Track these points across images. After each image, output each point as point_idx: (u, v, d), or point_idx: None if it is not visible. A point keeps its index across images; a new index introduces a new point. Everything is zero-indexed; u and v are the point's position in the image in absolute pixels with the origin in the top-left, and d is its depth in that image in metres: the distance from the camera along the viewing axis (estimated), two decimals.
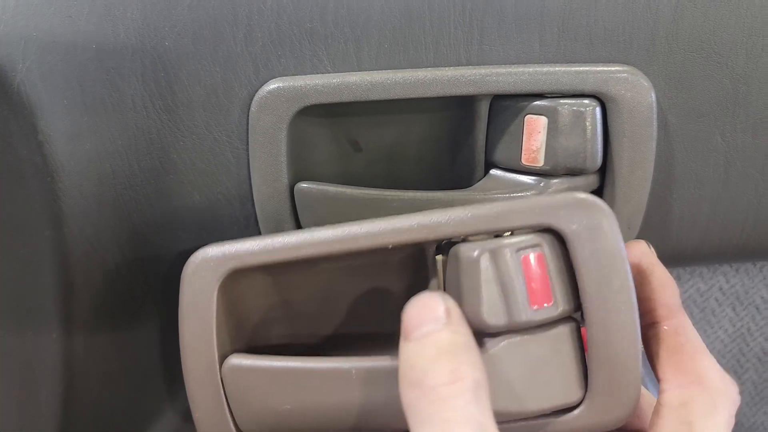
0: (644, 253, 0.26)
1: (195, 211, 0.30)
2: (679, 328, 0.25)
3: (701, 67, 0.28)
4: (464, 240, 0.24)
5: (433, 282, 0.27)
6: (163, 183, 0.29)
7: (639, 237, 0.31)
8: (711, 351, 0.34)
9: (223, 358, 0.26)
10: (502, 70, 0.28)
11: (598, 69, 0.28)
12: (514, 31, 0.28)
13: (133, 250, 0.30)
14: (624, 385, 0.23)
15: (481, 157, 0.31)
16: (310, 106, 0.28)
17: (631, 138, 0.28)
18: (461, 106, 0.30)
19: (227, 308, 0.26)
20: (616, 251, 0.23)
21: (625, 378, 0.23)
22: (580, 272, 0.23)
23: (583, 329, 0.26)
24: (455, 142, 0.31)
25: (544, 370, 0.23)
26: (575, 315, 0.24)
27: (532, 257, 0.23)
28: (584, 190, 0.29)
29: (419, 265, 0.27)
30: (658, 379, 0.25)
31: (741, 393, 0.25)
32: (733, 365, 0.40)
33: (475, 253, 0.23)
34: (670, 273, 0.25)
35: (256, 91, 0.28)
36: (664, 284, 0.26)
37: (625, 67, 0.28)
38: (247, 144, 0.29)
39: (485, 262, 0.23)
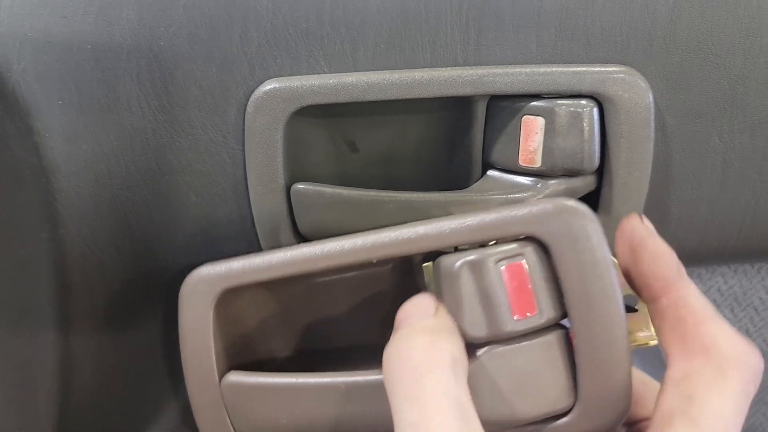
0: (635, 228, 0.25)
1: (191, 212, 0.30)
2: (679, 300, 0.24)
3: (699, 68, 0.28)
4: (449, 250, 0.24)
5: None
6: (159, 184, 0.29)
7: None
8: None
9: (223, 374, 0.27)
10: (499, 71, 0.28)
11: (595, 69, 0.28)
12: (511, 31, 0.28)
13: (130, 250, 0.30)
14: (614, 391, 0.22)
15: (478, 157, 0.31)
16: (307, 106, 0.28)
17: (629, 139, 0.28)
18: (458, 106, 0.30)
19: (225, 325, 0.27)
20: (599, 258, 0.23)
21: (615, 384, 0.22)
22: (565, 281, 0.23)
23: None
24: (452, 143, 0.31)
25: (532, 378, 0.23)
26: (564, 321, 0.24)
27: (513, 267, 0.23)
28: (581, 191, 0.29)
29: (410, 275, 0.27)
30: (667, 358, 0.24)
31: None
32: None
33: (455, 266, 0.23)
34: None
35: (252, 91, 0.28)
36: (657, 257, 0.25)
37: (623, 68, 0.28)
38: (243, 145, 0.29)
39: (465, 274, 0.23)
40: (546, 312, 0.23)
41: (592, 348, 0.23)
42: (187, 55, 0.28)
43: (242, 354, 0.28)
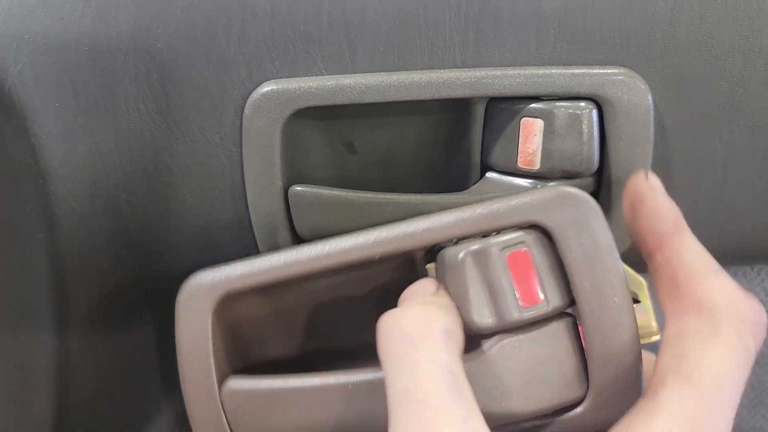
0: (637, 184, 0.25)
1: (188, 214, 0.30)
2: (672, 256, 0.23)
3: (698, 70, 0.28)
4: (450, 244, 0.24)
5: None
6: (156, 185, 0.29)
7: None
8: None
9: (222, 381, 0.26)
10: (498, 73, 0.28)
11: (594, 71, 0.28)
12: (510, 33, 0.28)
13: (127, 252, 0.30)
14: (626, 378, 0.22)
15: (476, 159, 0.31)
16: (305, 108, 0.28)
17: (628, 141, 0.28)
18: (457, 108, 0.30)
19: (223, 330, 0.27)
20: (604, 244, 0.23)
21: (626, 371, 0.22)
22: (570, 268, 0.23)
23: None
24: (451, 145, 0.31)
25: (542, 369, 0.23)
26: (572, 310, 0.24)
27: (517, 255, 0.23)
28: None
29: (411, 273, 0.27)
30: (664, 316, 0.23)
31: None
32: None
33: (460, 256, 0.23)
34: None
35: (250, 93, 0.28)
36: (653, 213, 0.24)
37: (622, 70, 0.28)
38: (241, 147, 0.29)
39: (470, 264, 0.23)
40: (552, 300, 0.23)
41: (601, 336, 0.22)
42: (184, 57, 0.28)
43: (241, 359, 0.28)
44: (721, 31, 0.28)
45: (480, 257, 0.23)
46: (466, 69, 0.28)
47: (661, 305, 0.23)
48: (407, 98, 0.28)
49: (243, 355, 0.28)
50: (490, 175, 0.30)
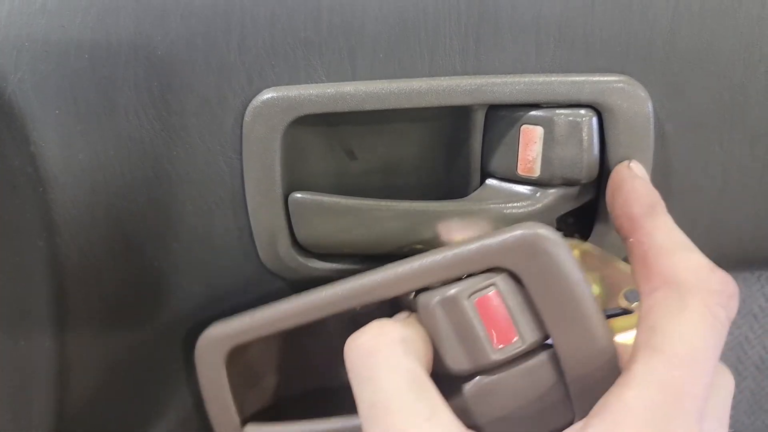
0: (617, 171, 0.26)
1: (188, 221, 0.30)
2: (644, 237, 0.24)
3: (698, 77, 0.28)
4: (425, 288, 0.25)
5: None
6: (156, 193, 0.29)
7: None
8: None
9: (244, 423, 0.28)
10: (498, 80, 0.28)
11: (594, 79, 0.28)
12: (510, 40, 0.28)
13: (126, 260, 0.30)
14: None
15: (477, 166, 0.31)
16: (305, 115, 0.28)
17: (628, 148, 0.28)
18: (457, 115, 0.30)
19: (239, 377, 0.29)
20: (571, 278, 0.23)
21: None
22: (539, 306, 0.23)
23: None
24: (451, 152, 0.31)
25: (524, 404, 0.23)
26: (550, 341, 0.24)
27: (487, 299, 0.23)
28: (580, 201, 0.29)
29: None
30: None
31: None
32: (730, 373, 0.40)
33: (430, 305, 0.24)
34: None
35: (250, 100, 0.28)
36: (629, 197, 0.25)
37: (622, 77, 0.28)
38: (241, 154, 0.29)
39: (440, 312, 0.24)
40: (528, 337, 0.23)
41: (579, 368, 0.23)
42: (184, 64, 0.28)
43: (260, 399, 0.30)
44: (721, 39, 0.28)
45: (449, 305, 0.24)
46: (466, 76, 0.28)
47: (636, 286, 0.23)
48: (407, 105, 0.28)
49: (262, 395, 0.30)
50: (490, 181, 0.30)
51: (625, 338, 0.27)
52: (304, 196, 0.29)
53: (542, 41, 0.28)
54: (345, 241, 0.30)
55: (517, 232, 0.23)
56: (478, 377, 0.24)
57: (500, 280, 0.24)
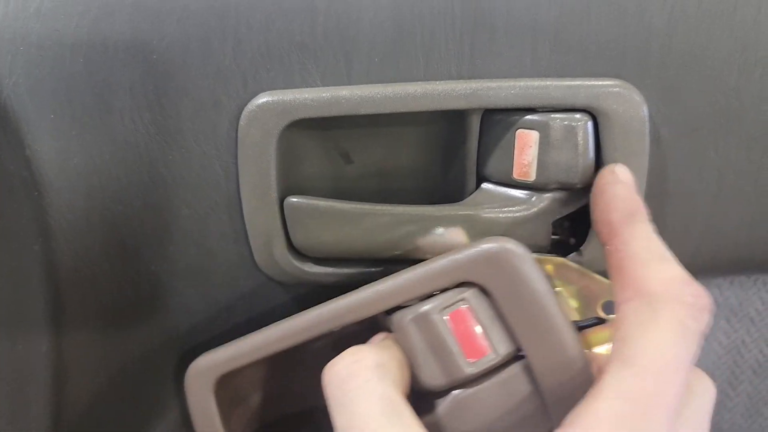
0: (601, 176, 0.26)
1: (183, 225, 0.30)
2: (620, 245, 0.24)
3: (694, 82, 0.28)
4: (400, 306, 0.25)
5: None
6: (152, 197, 0.29)
7: None
8: (705, 364, 0.33)
9: None
10: (493, 84, 0.28)
11: (589, 83, 0.28)
12: (506, 45, 0.28)
13: (122, 263, 0.30)
14: None
15: (472, 170, 0.30)
16: (300, 119, 0.28)
17: (624, 152, 0.28)
18: (453, 119, 0.30)
19: (229, 400, 0.29)
20: (537, 290, 0.23)
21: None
22: (508, 319, 0.23)
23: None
24: (447, 156, 0.31)
25: (503, 415, 0.24)
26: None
27: (458, 314, 0.24)
28: (576, 205, 0.29)
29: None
30: None
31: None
32: (727, 377, 0.40)
33: (403, 323, 0.24)
34: None
35: (245, 104, 0.28)
36: (609, 203, 0.25)
37: (618, 82, 0.28)
38: (236, 158, 0.29)
39: (413, 330, 0.24)
40: (501, 348, 0.24)
41: (552, 378, 0.23)
42: (180, 68, 0.28)
43: (248, 424, 0.30)
44: (716, 43, 0.28)
45: (422, 322, 0.24)
46: (461, 81, 0.28)
47: (613, 293, 0.24)
48: (403, 110, 0.28)
49: (250, 417, 0.30)
50: (485, 186, 0.30)
51: (605, 349, 0.27)
52: (300, 200, 0.29)
53: (538, 45, 0.28)
54: (341, 245, 0.30)
55: (483, 246, 0.24)
56: (454, 392, 0.24)
57: (470, 294, 0.24)
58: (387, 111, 0.28)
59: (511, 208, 0.29)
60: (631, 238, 0.24)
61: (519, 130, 0.28)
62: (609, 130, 0.28)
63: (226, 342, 0.29)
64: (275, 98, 0.27)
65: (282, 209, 0.29)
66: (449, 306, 0.24)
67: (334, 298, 0.26)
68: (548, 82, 0.28)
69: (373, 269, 0.30)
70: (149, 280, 0.31)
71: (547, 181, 0.28)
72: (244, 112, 0.28)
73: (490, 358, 0.24)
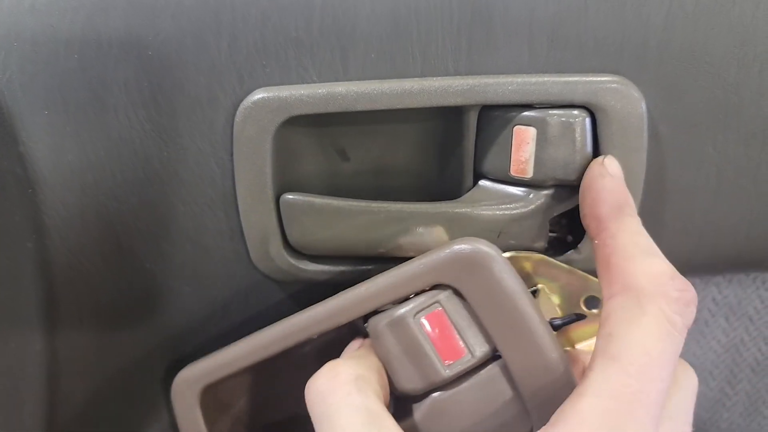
0: (590, 169, 0.26)
1: (179, 222, 0.30)
2: (608, 240, 0.24)
3: (693, 77, 0.28)
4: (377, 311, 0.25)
5: None
6: (147, 194, 0.29)
7: None
8: (703, 363, 0.33)
9: None
10: (491, 81, 0.27)
11: (587, 79, 0.27)
12: (503, 40, 0.27)
13: (117, 261, 0.30)
14: (562, 399, 0.22)
15: (470, 167, 0.30)
16: (296, 116, 0.28)
17: (622, 149, 0.28)
18: (450, 116, 0.30)
19: (215, 412, 0.30)
20: (510, 289, 0.23)
21: (562, 394, 0.22)
22: (482, 319, 0.23)
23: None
24: (444, 153, 0.31)
25: (483, 415, 0.24)
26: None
27: (432, 317, 0.24)
28: (574, 202, 0.29)
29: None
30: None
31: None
32: (726, 376, 0.40)
33: (378, 328, 0.24)
34: None
35: (241, 101, 0.28)
36: (596, 197, 0.25)
37: (616, 78, 0.28)
38: (232, 155, 0.28)
39: (388, 335, 0.24)
40: (477, 350, 0.24)
41: (529, 377, 0.23)
42: (175, 64, 0.27)
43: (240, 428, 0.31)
44: (715, 39, 0.28)
45: (397, 326, 0.24)
46: (458, 77, 0.28)
47: (601, 288, 0.24)
48: (400, 106, 0.27)
49: (236, 426, 0.31)
50: (483, 183, 0.30)
51: (587, 345, 0.27)
52: (296, 197, 0.29)
53: (535, 41, 0.28)
54: (337, 242, 0.29)
55: (454, 248, 0.24)
56: (432, 395, 0.24)
57: (444, 297, 0.24)
58: (383, 107, 0.27)
59: (508, 206, 0.29)
60: (618, 231, 0.24)
61: (516, 127, 0.28)
62: (607, 127, 0.28)
63: (222, 339, 0.29)
64: (271, 94, 0.27)
65: (278, 206, 0.29)
66: (423, 309, 0.24)
67: (329, 295, 0.26)
68: (546, 78, 0.27)
69: (370, 267, 0.30)
70: (144, 278, 0.31)
71: (545, 177, 0.28)
72: (240, 109, 0.28)
73: (467, 360, 0.24)
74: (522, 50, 0.28)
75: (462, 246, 0.24)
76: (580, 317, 0.27)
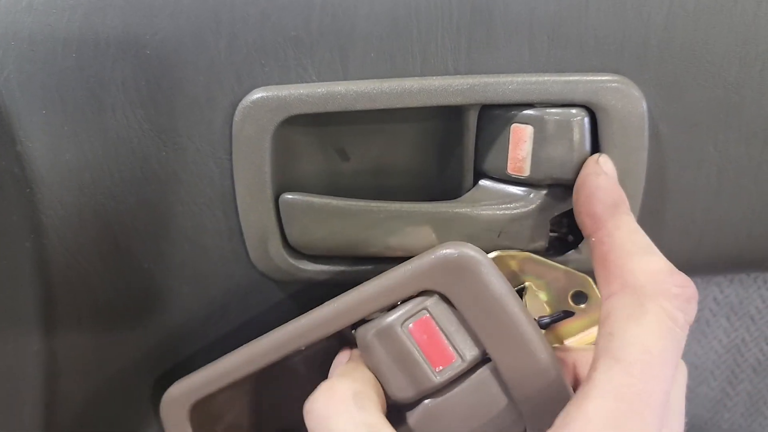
0: (584, 167, 0.26)
1: (177, 222, 0.29)
2: (605, 238, 0.24)
3: (693, 76, 0.28)
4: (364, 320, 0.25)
5: None
6: (145, 193, 0.29)
7: None
8: (705, 363, 0.33)
9: None
10: (491, 80, 0.27)
11: (588, 78, 0.27)
12: (503, 39, 0.27)
13: (115, 261, 0.30)
14: (554, 399, 0.23)
15: (470, 167, 0.30)
16: (296, 115, 0.27)
17: (622, 148, 0.28)
18: (450, 115, 0.30)
19: (206, 421, 0.29)
20: (497, 292, 0.23)
21: (553, 394, 0.23)
22: (471, 323, 0.23)
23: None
24: (444, 152, 0.31)
25: (476, 419, 0.24)
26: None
27: (420, 324, 0.24)
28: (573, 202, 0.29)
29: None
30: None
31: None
32: (727, 376, 0.40)
33: (367, 337, 0.24)
34: None
35: (240, 100, 0.27)
36: (591, 195, 0.25)
37: (616, 77, 0.28)
38: (231, 154, 0.28)
39: (376, 344, 0.24)
40: (467, 354, 0.24)
41: (520, 379, 0.23)
42: (173, 63, 0.27)
43: None
44: (716, 38, 0.27)
45: (385, 336, 0.24)
46: (458, 76, 0.28)
47: (598, 286, 0.23)
48: (399, 105, 0.27)
49: None
50: (483, 182, 0.30)
51: (576, 341, 0.27)
52: (295, 196, 0.29)
53: (536, 40, 0.27)
54: (336, 242, 0.29)
55: (439, 253, 0.24)
56: (424, 402, 0.24)
57: (431, 303, 0.24)
58: (383, 107, 0.27)
59: (508, 205, 0.28)
60: (615, 229, 0.24)
61: (513, 125, 0.28)
62: (607, 126, 0.28)
63: (221, 339, 0.29)
64: (270, 94, 0.27)
65: (277, 206, 0.29)
66: (411, 316, 0.24)
67: (329, 295, 0.26)
68: (546, 77, 0.27)
69: (369, 266, 0.30)
70: (143, 277, 0.30)
71: (542, 176, 0.28)
72: (239, 108, 0.27)
73: (457, 365, 0.23)
74: (522, 49, 0.27)
75: (447, 251, 0.24)
76: (568, 314, 0.27)
